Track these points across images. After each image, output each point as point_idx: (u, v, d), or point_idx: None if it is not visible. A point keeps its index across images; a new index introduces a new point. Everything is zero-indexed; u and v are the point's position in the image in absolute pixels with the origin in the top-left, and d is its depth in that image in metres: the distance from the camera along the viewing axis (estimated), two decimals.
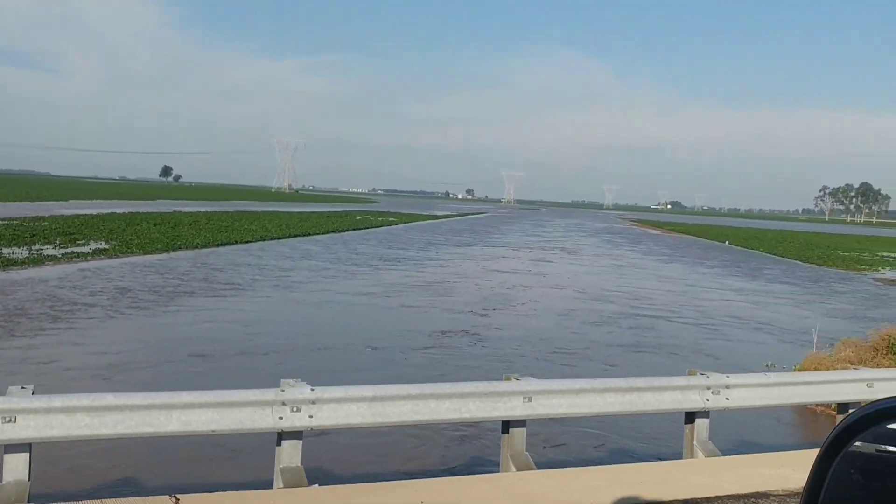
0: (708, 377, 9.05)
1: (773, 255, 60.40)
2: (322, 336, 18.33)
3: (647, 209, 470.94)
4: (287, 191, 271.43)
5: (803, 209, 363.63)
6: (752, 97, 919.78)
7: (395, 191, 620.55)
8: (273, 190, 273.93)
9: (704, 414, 8.99)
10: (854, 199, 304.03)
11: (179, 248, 36.77)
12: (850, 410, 2.23)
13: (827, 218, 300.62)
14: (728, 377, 9.26)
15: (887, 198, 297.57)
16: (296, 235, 51.83)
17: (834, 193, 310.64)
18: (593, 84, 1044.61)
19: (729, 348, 19.64)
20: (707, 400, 8.91)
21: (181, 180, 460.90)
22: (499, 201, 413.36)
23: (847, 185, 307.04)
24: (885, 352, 13.63)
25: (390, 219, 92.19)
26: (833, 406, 11.23)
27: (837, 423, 1.71)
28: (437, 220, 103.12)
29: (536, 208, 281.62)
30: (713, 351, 18.97)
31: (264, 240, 46.01)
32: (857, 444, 1.63)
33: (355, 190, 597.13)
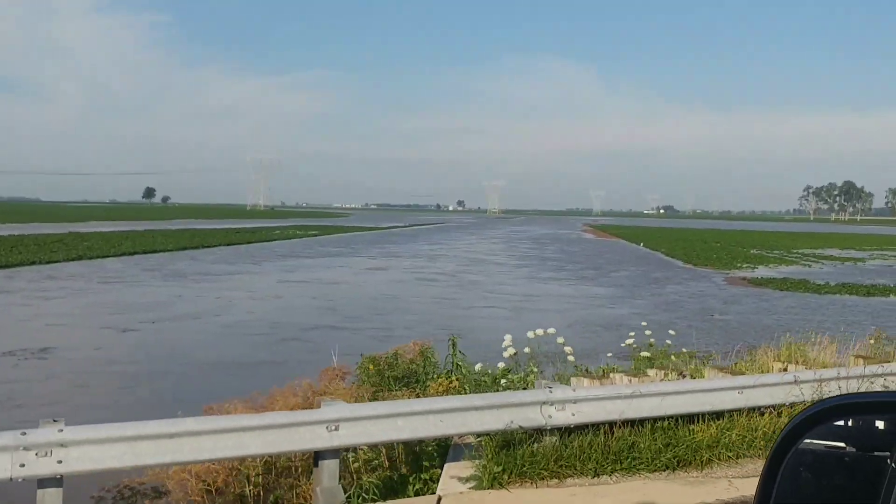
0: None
1: (666, 255, 57.58)
2: None
3: (641, 214, 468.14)
4: (262, 208, 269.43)
5: (795, 209, 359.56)
6: (739, 99, 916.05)
7: (389, 205, 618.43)
8: (248, 208, 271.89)
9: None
10: (837, 198, 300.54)
11: None
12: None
13: (812, 217, 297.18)
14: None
15: (870, 196, 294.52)
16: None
17: (818, 193, 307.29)
18: (579, 90, 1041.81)
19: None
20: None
21: (169, 201, 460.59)
22: (496, 211, 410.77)
23: (830, 184, 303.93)
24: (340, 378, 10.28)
25: (311, 232, 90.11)
26: None
27: (786, 423, 1.73)
28: (376, 232, 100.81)
29: (508, 218, 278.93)
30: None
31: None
32: (806, 441, 1.68)
33: (349, 205, 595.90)
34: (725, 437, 7.76)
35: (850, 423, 1.70)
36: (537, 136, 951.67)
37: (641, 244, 72.35)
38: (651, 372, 10.00)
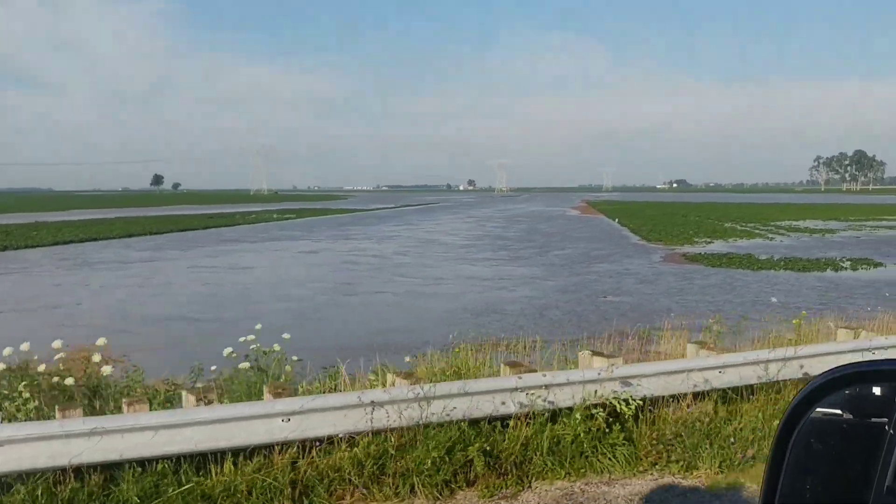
0: None
1: (631, 231, 55.59)
2: None
3: (653, 189, 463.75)
4: (265, 192, 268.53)
5: (808, 181, 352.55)
6: (750, 71, 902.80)
7: (400, 186, 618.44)
8: (252, 192, 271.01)
9: None
10: (849, 168, 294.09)
11: None
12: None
13: (823, 188, 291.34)
14: None
15: (882, 164, 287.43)
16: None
17: (828, 163, 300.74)
18: (589, 66, 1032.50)
19: None
20: None
21: (180, 188, 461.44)
22: (504, 189, 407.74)
23: (841, 153, 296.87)
24: None
25: (287, 215, 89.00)
26: None
27: (798, 392, 1.75)
28: (357, 214, 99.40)
29: (513, 196, 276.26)
30: None
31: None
32: (816, 411, 1.69)
33: (360, 188, 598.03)
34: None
35: (861, 393, 1.70)
36: (549, 114, 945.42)
37: (616, 220, 70.35)
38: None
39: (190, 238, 51.15)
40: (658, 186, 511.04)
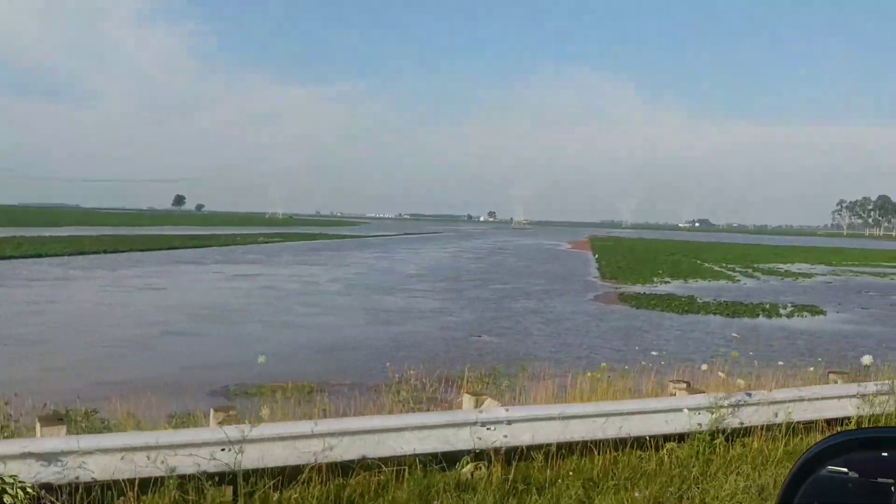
0: None
1: (598, 267, 53.53)
2: None
3: (675, 228, 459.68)
4: (280, 216, 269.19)
5: (832, 224, 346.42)
6: (775, 112, 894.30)
7: (421, 215, 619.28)
8: (267, 216, 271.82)
9: None
10: (872, 213, 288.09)
11: None
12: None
13: (845, 232, 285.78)
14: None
15: None
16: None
17: (851, 207, 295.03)
18: (613, 102, 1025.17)
19: None
20: None
21: (203, 209, 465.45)
22: (521, 222, 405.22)
23: (864, 198, 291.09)
24: None
25: (274, 239, 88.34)
26: None
27: (806, 449, 1.77)
28: (351, 240, 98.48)
29: (526, 229, 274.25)
30: None
31: None
32: (826, 469, 1.69)
33: (382, 215, 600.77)
34: None
35: (871, 456, 1.71)
36: (574, 148, 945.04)
37: (596, 256, 68.45)
38: None
39: (135, 258, 49.98)
40: (680, 225, 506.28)
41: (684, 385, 8.17)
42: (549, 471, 6.76)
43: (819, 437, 9.33)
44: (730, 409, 7.53)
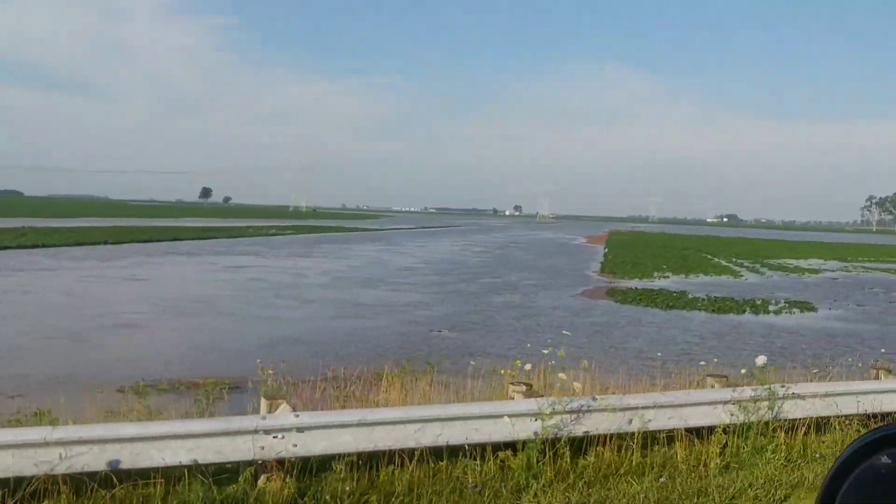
0: None
1: (602, 261, 52.64)
2: None
3: (703, 223, 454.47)
4: (303, 209, 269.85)
5: (861, 220, 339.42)
6: (805, 108, 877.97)
7: (448, 209, 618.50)
8: (291, 209, 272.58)
9: None
10: None
11: None
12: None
13: (874, 229, 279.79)
14: None
15: None
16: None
17: (881, 203, 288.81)
18: (641, 97, 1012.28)
19: None
20: None
21: (230, 201, 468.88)
22: (546, 216, 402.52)
23: (895, 193, 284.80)
24: None
25: (287, 231, 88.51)
26: None
27: (856, 438, 1.69)
28: (366, 233, 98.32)
29: (551, 224, 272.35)
30: None
31: None
32: (874, 460, 1.62)
33: (408, 209, 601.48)
34: None
35: None
36: (601, 143, 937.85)
37: (605, 250, 67.47)
38: None
39: (133, 250, 49.96)
40: (708, 220, 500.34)
41: (523, 388, 7.50)
42: (347, 485, 6.18)
43: (682, 446, 8.68)
44: (572, 416, 6.88)
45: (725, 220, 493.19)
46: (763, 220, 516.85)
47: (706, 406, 7.64)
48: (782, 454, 7.55)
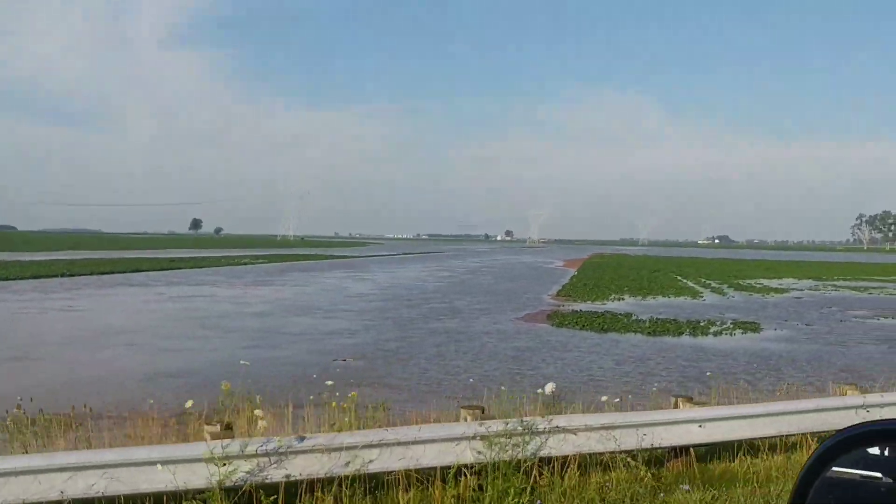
0: None
1: (564, 284, 51.74)
2: None
3: (694, 244, 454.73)
4: (291, 238, 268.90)
5: (853, 239, 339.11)
6: (797, 129, 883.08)
7: (439, 235, 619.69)
8: (278, 238, 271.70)
9: None
10: (893, 227, 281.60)
11: None
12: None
13: (865, 247, 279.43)
14: None
15: None
16: None
17: (871, 221, 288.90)
18: (631, 120, 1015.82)
19: None
20: None
21: (222, 232, 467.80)
22: (535, 241, 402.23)
23: (885, 212, 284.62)
24: None
25: (259, 260, 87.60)
26: None
27: (817, 447, 1.67)
28: (336, 260, 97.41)
29: (540, 248, 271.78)
30: None
31: None
32: (837, 468, 1.60)
33: (400, 235, 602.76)
34: None
35: (885, 453, 1.59)
36: (593, 166, 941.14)
37: (574, 271, 66.73)
38: None
39: (85, 282, 49.02)
40: (699, 242, 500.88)
41: (218, 427, 6.53)
42: None
43: (415, 491, 7.68)
44: (265, 459, 5.91)
45: (717, 241, 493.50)
46: (756, 241, 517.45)
47: (444, 443, 6.66)
48: (527, 498, 6.55)
